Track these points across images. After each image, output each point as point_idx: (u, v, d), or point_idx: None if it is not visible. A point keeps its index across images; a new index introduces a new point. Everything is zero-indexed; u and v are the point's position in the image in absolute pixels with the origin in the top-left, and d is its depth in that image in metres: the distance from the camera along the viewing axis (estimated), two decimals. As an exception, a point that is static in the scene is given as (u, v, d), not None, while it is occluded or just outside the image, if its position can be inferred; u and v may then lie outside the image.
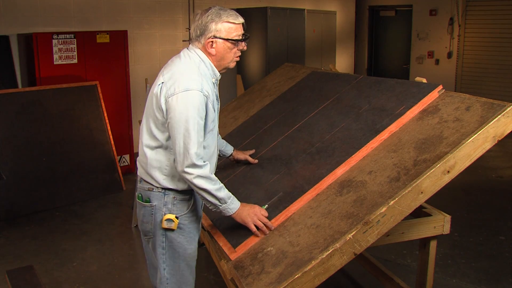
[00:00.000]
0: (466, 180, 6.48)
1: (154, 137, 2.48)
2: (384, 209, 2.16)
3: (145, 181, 2.56)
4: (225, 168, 3.32)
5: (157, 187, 2.52)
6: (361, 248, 2.16)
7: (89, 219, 5.41)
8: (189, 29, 2.67)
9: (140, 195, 2.57)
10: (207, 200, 2.42)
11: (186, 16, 8.03)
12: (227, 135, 3.87)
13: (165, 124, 2.40)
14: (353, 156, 2.65)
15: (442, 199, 5.57)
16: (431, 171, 2.21)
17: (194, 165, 2.32)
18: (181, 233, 2.56)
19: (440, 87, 2.76)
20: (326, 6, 10.68)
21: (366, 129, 2.81)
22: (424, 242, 2.99)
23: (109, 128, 6.27)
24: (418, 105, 2.73)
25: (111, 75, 6.60)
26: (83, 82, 6.17)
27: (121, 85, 6.72)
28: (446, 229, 2.89)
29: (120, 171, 6.32)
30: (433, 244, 2.97)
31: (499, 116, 2.29)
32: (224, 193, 2.43)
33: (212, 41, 2.45)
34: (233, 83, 8.28)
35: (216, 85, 2.58)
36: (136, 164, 2.69)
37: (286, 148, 3.15)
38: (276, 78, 4.45)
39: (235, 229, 2.58)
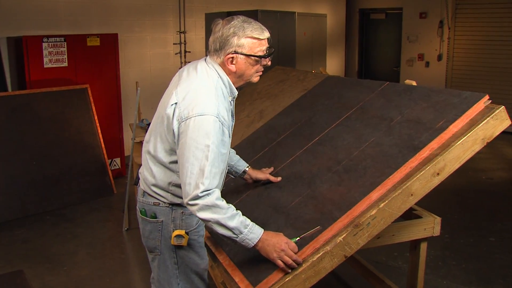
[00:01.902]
0: (456, 182, 6.51)
1: (159, 155, 2.31)
2: (374, 211, 2.17)
3: (149, 195, 2.39)
4: (235, 186, 2.97)
5: (164, 202, 2.35)
6: (351, 250, 2.17)
7: (80, 223, 5.39)
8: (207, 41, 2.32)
9: (143, 210, 2.40)
10: (219, 233, 2.12)
11: (176, 19, 8.03)
12: (235, 147, 3.17)
13: (174, 148, 2.23)
14: (390, 177, 2.29)
15: (433, 201, 5.58)
16: (421, 173, 2.22)
17: (197, 197, 2.07)
18: (191, 249, 2.40)
19: (486, 97, 2.41)
20: (317, 9, 10.72)
21: (402, 145, 2.45)
22: (415, 244, 3.00)
23: (99, 131, 6.25)
24: (462, 118, 2.37)
25: (101, 78, 6.58)
26: (73, 86, 6.16)
27: (111, 89, 6.70)
28: (437, 231, 2.90)
29: (111, 174, 6.29)
30: (423, 246, 2.98)
31: (488, 119, 2.30)
32: (237, 221, 2.10)
33: (232, 57, 2.23)
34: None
35: (233, 102, 2.40)
36: (138, 175, 2.53)
37: (307, 165, 2.78)
38: (267, 81, 4.43)
39: (254, 262, 2.25)
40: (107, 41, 6.58)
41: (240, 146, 3.47)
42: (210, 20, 8.55)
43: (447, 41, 10.44)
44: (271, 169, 2.89)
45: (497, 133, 2.35)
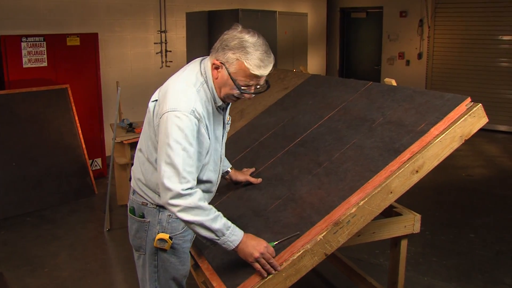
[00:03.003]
0: (437, 179, 6.57)
1: (146, 154, 2.28)
2: (354, 209, 2.18)
3: (138, 194, 2.35)
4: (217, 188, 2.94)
5: (152, 203, 2.31)
6: (332, 248, 2.18)
7: (61, 224, 5.34)
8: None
9: (132, 208, 2.37)
10: (200, 235, 2.07)
11: (157, 19, 7.99)
12: None
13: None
14: (370, 181, 2.27)
15: (414, 198, 5.65)
16: (400, 171, 2.24)
17: (179, 195, 2.01)
18: (174, 253, 2.35)
19: (468, 99, 2.38)
20: (298, 8, 10.73)
21: (383, 147, 2.43)
22: (395, 241, 3.01)
23: (80, 131, 6.20)
24: (443, 121, 2.35)
25: (82, 78, 6.54)
26: (53, 86, 6.10)
27: (92, 88, 6.66)
28: (417, 228, 2.92)
29: (92, 175, 6.25)
30: (404, 243, 3.00)
31: (465, 116, 2.33)
32: (220, 223, 2.05)
33: (218, 66, 2.13)
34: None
35: (224, 109, 2.33)
36: (131, 173, 2.48)
37: (288, 167, 2.75)
38: (248, 80, 4.42)
39: (232, 266, 2.22)
40: (87, 41, 6.54)
41: None
42: (191, 19, 8.54)
43: (427, 39, 10.53)
44: (253, 169, 2.86)
45: (475, 130, 2.37)
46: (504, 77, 9.61)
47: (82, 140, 6.20)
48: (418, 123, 2.44)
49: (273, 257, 2.11)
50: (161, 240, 2.27)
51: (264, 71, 2.11)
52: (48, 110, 5.99)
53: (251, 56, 2.06)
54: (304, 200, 2.42)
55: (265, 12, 8.91)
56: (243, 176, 2.77)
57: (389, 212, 2.97)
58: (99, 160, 6.81)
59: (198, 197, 2.04)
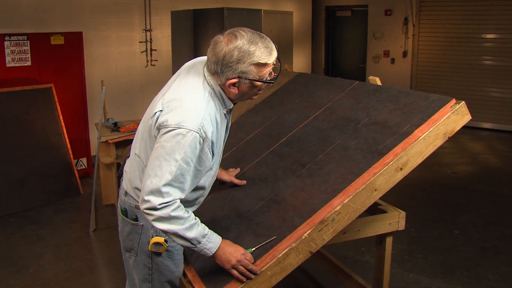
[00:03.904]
0: (422, 176, 6.62)
1: (144, 159, 2.20)
2: (338, 207, 2.19)
3: (132, 197, 2.29)
4: None
5: None
6: (317, 246, 2.18)
7: (46, 225, 5.30)
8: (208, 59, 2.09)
9: (124, 209, 2.33)
10: (177, 242, 2.06)
11: (142, 18, 7.96)
12: None
13: None
14: (352, 184, 2.27)
15: (399, 196, 5.66)
16: (384, 168, 2.25)
17: (154, 208, 1.98)
18: (169, 256, 2.33)
19: (453, 101, 2.38)
20: (283, 7, 10.74)
21: (366, 149, 2.43)
22: (380, 239, 3.03)
23: (65, 131, 6.16)
24: (427, 123, 2.35)
25: (66, 77, 6.48)
26: (37, 85, 6.05)
27: (77, 88, 6.61)
28: (401, 225, 2.93)
29: (77, 175, 6.21)
30: (389, 240, 3.01)
31: (449, 114, 2.34)
32: (196, 231, 2.03)
33: (235, 82, 2.07)
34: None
35: (229, 115, 2.28)
36: (122, 172, 2.42)
37: (272, 167, 2.75)
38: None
39: (214, 269, 2.18)
40: (72, 40, 6.49)
41: None
42: (176, 18, 8.52)
43: (412, 38, 10.59)
44: (238, 170, 2.85)
45: (458, 127, 2.39)
46: (488, 75, 9.71)
47: (67, 140, 6.16)
48: (403, 124, 2.44)
49: (252, 263, 2.10)
50: (157, 243, 2.24)
51: (275, 53, 2.09)
52: (32, 109, 5.94)
53: (256, 53, 2.02)
54: (287, 202, 2.42)
55: (250, 11, 8.91)
56: (228, 176, 2.76)
57: (374, 210, 2.98)
58: (84, 160, 6.77)
59: (172, 208, 1.99)
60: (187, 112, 2.01)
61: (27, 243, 4.88)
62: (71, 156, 6.18)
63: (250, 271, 2.09)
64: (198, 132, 1.99)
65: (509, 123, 9.55)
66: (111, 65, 7.65)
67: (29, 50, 6.12)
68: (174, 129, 1.98)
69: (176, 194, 2.01)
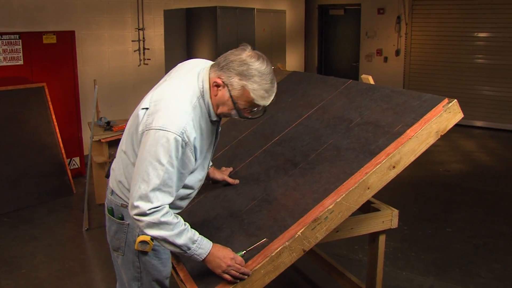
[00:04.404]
0: (415, 175, 6.64)
1: (130, 156, 2.20)
2: (331, 205, 2.19)
3: (117, 195, 2.29)
4: None
5: None
6: (310, 244, 2.18)
7: (39, 224, 5.28)
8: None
9: (111, 208, 2.32)
10: (167, 248, 2.10)
11: (135, 16, 7.94)
12: None
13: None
14: (344, 183, 2.27)
15: (392, 194, 5.70)
16: (377, 167, 2.25)
17: (144, 214, 1.98)
18: (155, 255, 2.32)
19: (445, 101, 2.39)
20: (276, 5, 10.74)
21: (358, 149, 2.43)
22: (373, 237, 3.03)
23: (57, 130, 6.13)
24: (420, 123, 2.35)
25: (59, 76, 6.46)
26: (29, 84, 6.02)
27: (69, 87, 6.59)
28: (394, 223, 2.94)
29: (70, 174, 6.19)
30: (382, 238, 3.02)
31: (441, 112, 2.35)
32: (185, 237, 2.03)
33: (219, 85, 2.07)
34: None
35: (218, 122, 2.26)
36: (109, 171, 2.42)
37: (265, 166, 2.75)
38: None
39: (206, 269, 2.17)
40: (64, 39, 6.46)
41: None
42: (169, 16, 8.51)
43: (405, 36, 10.62)
44: (231, 169, 2.86)
45: (450, 126, 2.39)
46: (480, 73, 9.75)
47: (60, 139, 6.14)
48: (395, 124, 2.44)
49: (244, 264, 2.11)
50: (143, 242, 2.23)
51: (267, 101, 2.07)
52: (24, 109, 5.91)
53: (258, 87, 2.01)
54: (279, 202, 2.42)
55: (243, 10, 8.91)
56: (221, 175, 2.75)
57: (367, 208, 2.99)
58: (77, 159, 6.75)
59: (162, 213, 2.00)
60: (171, 115, 2.01)
61: (20, 243, 4.86)
62: (64, 156, 6.15)
63: (242, 273, 2.08)
64: (180, 136, 1.99)
65: (501, 121, 9.59)
66: (103, 64, 7.63)
67: (21, 49, 6.10)
68: (158, 132, 1.98)
69: (165, 199, 2.02)
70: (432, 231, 5.02)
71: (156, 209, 1.98)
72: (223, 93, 2.06)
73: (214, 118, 2.17)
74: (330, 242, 2.84)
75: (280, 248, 2.12)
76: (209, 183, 2.81)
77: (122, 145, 2.28)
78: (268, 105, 2.12)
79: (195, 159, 2.14)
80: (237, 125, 3.41)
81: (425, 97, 2.49)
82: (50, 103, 6.10)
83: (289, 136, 2.91)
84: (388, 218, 2.91)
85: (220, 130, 2.37)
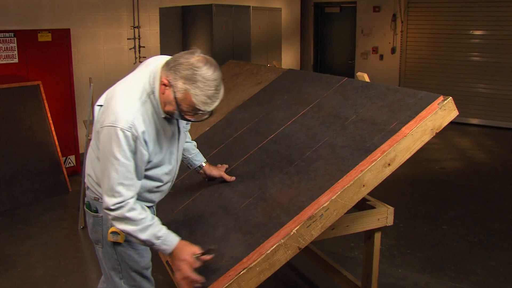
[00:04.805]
0: (410, 172, 6.65)
1: (95, 150, 2.30)
2: (327, 203, 2.19)
3: (91, 189, 2.40)
4: (190, 184, 2.92)
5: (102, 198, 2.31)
6: (305, 242, 2.18)
7: (34, 223, 5.27)
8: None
9: (88, 202, 2.43)
10: (134, 241, 2.27)
11: (130, 14, 7.92)
12: None
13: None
14: (339, 181, 2.26)
15: (388, 192, 5.71)
16: (372, 164, 2.25)
17: (108, 208, 2.11)
18: (130, 246, 2.40)
19: (441, 98, 2.38)
20: (271, 3, 10.73)
21: (354, 146, 2.43)
22: (369, 234, 3.04)
23: (53, 129, 6.12)
24: (415, 120, 2.34)
25: (54, 74, 6.44)
26: (25, 82, 6.00)
27: (64, 85, 6.58)
28: (390, 221, 2.95)
29: (65, 172, 6.17)
30: (377, 236, 3.03)
31: (436, 109, 2.35)
32: (149, 233, 2.13)
33: (166, 85, 2.10)
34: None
35: (175, 120, 2.30)
36: (82, 167, 2.57)
37: (260, 164, 2.75)
38: (221, 75, 4.41)
39: (201, 267, 2.17)
40: (59, 37, 6.44)
41: (198, 141, 3.36)
42: (165, 14, 8.48)
43: (400, 34, 10.63)
44: (226, 166, 2.86)
45: (446, 123, 2.39)
46: (475, 71, 9.77)
47: (55, 137, 6.13)
48: (390, 121, 2.44)
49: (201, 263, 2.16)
50: (114, 233, 2.34)
51: (209, 107, 2.09)
52: (19, 107, 5.89)
53: (200, 92, 2.03)
54: (274, 200, 2.42)
55: (239, 7, 8.90)
56: (217, 172, 2.77)
57: (363, 205, 3.00)
58: (72, 157, 6.73)
59: (127, 208, 2.10)
60: (120, 111, 2.08)
61: (15, 241, 4.85)
62: (59, 154, 6.14)
63: (193, 280, 2.12)
64: (129, 130, 2.06)
65: (496, 119, 9.61)
66: (99, 62, 7.61)
67: (16, 47, 6.08)
68: (109, 128, 2.07)
69: (127, 193, 2.11)
70: (428, 228, 5.03)
71: (120, 204, 2.10)
72: (169, 93, 2.09)
73: (163, 115, 2.20)
74: (325, 239, 2.85)
75: (275, 245, 2.12)
76: (205, 180, 2.82)
77: (92, 140, 2.38)
78: (213, 109, 2.14)
79: (148, 153, 2.19)
80: (232, 123, 3.42)
81: (420, 95, 2.48)
82: (45, 101, 6.08)
83: (285, 134, 2.91)
84: (383, 215, 2.92)
85: (187, 125, 2.44)
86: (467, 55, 9.86)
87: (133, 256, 2.42)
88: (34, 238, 4.93)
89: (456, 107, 2.39)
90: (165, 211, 2.80)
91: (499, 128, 9.51)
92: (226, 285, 2.07)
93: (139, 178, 2.20)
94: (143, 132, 2.11)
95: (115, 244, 2.38)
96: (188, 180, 2.97)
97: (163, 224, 2.22)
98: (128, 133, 2.06)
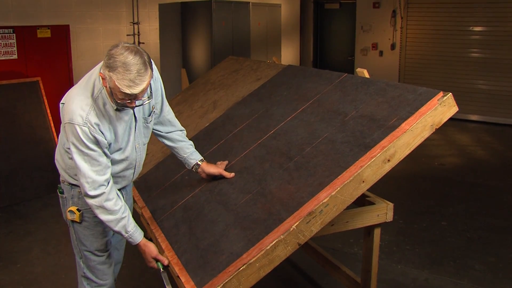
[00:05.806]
0: (410, 168, 6.65)
1: (61, 139, 2.58)
2: (326, 199, 2.19)
3: (60, 173, 2.64)
4: (189, 180, 2.95)
5: (66, 181, 2.61)
6: (305, 238, 2.19)
7: (34, 219, 5.27)
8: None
9: (59, 186, 2.69)
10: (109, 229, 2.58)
11: (130, 10, 7.91)
12: (192, 139, 3.04)
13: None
14: (339, 177, 2.26)
15: (387, 188, 5.71)
16: (372, 160, 2.25)
17: (87, 196, 2.36)
18: (86, 227, 2.63)
19: (440, 94, 2.38)
20: (271, -1, 10.72)
21: (353, 142, 2.43)
22: (368, 230, 3.05)
23: (52, 125, 6.12)
24: (415, 116, 2.35)
25: (53, 70, 6.44)
26: (24, 78, 6.00)
27: (64, 81, 6.57)
28: (389, 217, 2.95)
29: (65, 168, 6.17)
30: (377, 232, 3.03)
31: (436, 105, 2.35)
32: (120, 225, 2.43)
33: (103, 79, 2.26)
34: (177, 77, 8.22)
35: (126, 110, 2.42)
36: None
37: (260, 160, 2.76)
38: (220, 71, 4.43)
39: (201, 262, 2.24)
40: (58, 33, 6.44)
41: (198, 138, 3.42)
42: (164, 10, 8.46)
43: (400, 30, 10.61)
44: (226, 162, 2.87)
45: (445, 119, 2.39)
46: (475, 67, 9.76)
47: (55, 133, 6.12)
48: (390, 117, 2.44)
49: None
50: (70, 212, 2.60)
51: (135, 90, 2.18)
52: (19, 103, 5.89)
53: (121, 76, 2.15)
54: (273, 195, 2.42)
55: (239, 3, 8.88)
56: (216, 169, 2.79)
57: (362, 201, 3.01)
58: (72, 154, 6.73)
59: (104, 198, 2.36)
60: (75, 109, 2.30)
61: (15, 238, 4.85)
62: (59, 150, 6.13)
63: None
64: (85, 126, 2.28)
65: (496, 115, 9.61)
66: (98, 58, 7.56)
67: (15, 43, 6.08)
68: (69, 125, 2.30)
69: (100, 178, 2.34)
70: (427, 224, 5.04)
71: (98, 192, 2.34)
72: (106, 85, 2.25)
73: (115, 107, 2.35)
74: (325, 235, 2.85)
75: (275, 241, 2.12)
76: (203, 178, 2.82)
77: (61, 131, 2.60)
78: (151, 93, 2.42)
79: (106, 140, 2.38)
80: (231, 119, 3.42)
81: (420, 91, 2.48)
82: (44, 97, 6.08)
83: (284, 130, 2.91)
84: (383, 211, 2.92)
85: (137, 117, 2.52)
86: (467, 51, 9.85)
87: (88, 236, 2.64)
88: (34, 234, 4.93)
89: (456, 103, 2.39)
90: (165, 206, 2.80)
91: (498, 124, 9.51)
92: (226, 280, 2.08)
93: (107, 162, 2.41)
94: (97, 125, 2.32)
95: (74, 223, 2.62)
96: (188, 176, 2.97)
97: (159, 218, 2.40)
98: (85, 128, 2.28)
